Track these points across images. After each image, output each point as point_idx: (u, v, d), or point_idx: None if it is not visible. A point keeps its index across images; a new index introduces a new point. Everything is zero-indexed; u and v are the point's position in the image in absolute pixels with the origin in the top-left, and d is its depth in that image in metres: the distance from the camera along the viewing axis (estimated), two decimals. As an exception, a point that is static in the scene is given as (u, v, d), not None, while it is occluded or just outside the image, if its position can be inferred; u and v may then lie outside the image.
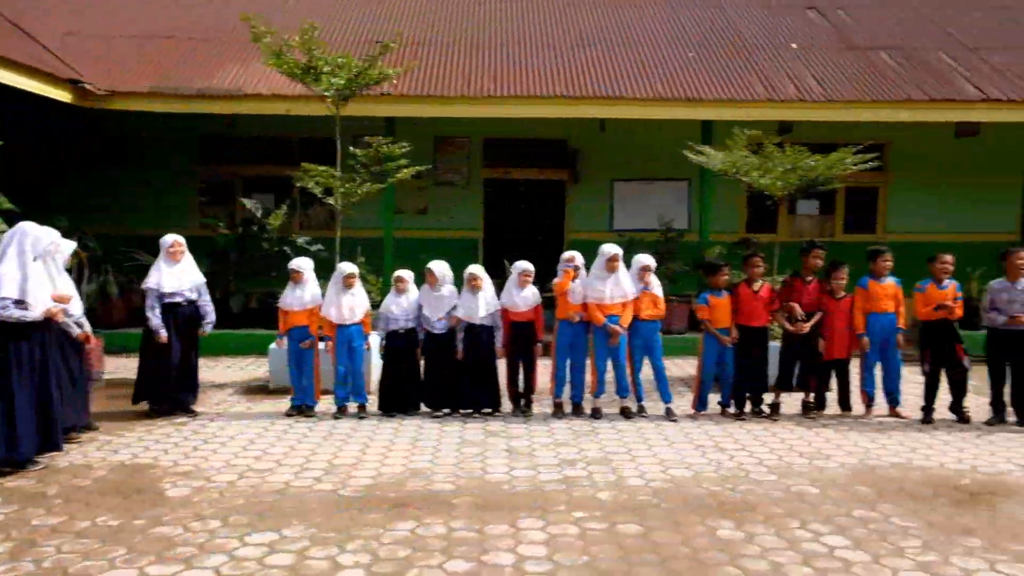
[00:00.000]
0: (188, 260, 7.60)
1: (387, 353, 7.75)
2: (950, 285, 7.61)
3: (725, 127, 9.86)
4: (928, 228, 13.17)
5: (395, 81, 10.37)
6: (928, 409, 7.64)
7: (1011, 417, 7.47)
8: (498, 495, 5.45)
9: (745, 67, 11.87)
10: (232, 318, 11.01)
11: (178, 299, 7.44)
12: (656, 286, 7.80)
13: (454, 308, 7.65)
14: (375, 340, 8.08)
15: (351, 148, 9.24)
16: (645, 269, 7.73)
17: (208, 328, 7.66)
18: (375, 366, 8.34)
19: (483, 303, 7.62)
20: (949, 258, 7.65)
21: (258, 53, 9.51)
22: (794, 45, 12.58)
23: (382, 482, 5.74)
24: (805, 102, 10.98)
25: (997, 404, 7.52)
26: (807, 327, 7.63)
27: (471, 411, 7.73)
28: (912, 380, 8.27)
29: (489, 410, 7.73)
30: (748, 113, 10.88)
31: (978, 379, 7.95)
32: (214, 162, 13.23)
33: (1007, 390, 7.46)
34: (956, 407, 7.62)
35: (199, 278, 7.63)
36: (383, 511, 5.15)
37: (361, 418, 7.55)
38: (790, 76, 11.59)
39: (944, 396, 7.66)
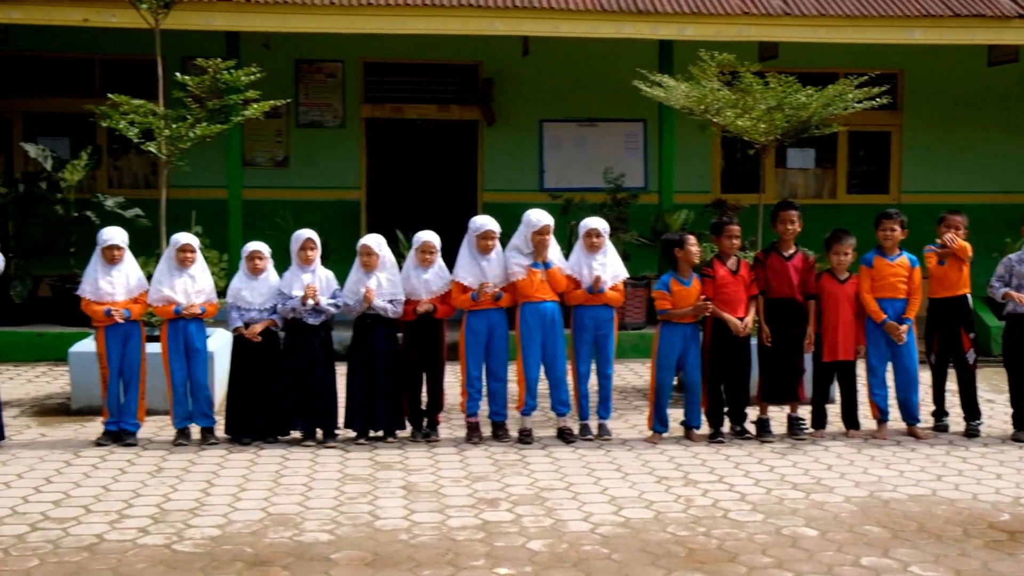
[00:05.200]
0: None
1: (237, 356, 7.70)
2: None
3: (690, 50, 10.01)
4: (952, 186, 13.64)
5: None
6: (939, 412, 8.17)
7: None
8: (393, 547, 5.46)
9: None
10: (14, 311, 10.73)
11: None
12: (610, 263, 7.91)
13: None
14: (219, 340, 7.98)
15: (178, 74, 9.08)
16: (594, 235, 7.83)
17: None
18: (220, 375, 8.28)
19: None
20: (960, 219, 7.95)
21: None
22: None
23: (233, 533, 5.70)
24: (793, 16, 11.18)
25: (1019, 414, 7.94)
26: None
27: (357, 436, 7.71)
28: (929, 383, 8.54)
29: (380, 433, 7.75)
30: (719, 31, 11.05)
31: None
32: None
33: None
34: (966, 414, 8.04)
35: None
36: (235, 572, 5.12)
37: (204, 446, 7.49)
38: (776, -17, 11.84)
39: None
